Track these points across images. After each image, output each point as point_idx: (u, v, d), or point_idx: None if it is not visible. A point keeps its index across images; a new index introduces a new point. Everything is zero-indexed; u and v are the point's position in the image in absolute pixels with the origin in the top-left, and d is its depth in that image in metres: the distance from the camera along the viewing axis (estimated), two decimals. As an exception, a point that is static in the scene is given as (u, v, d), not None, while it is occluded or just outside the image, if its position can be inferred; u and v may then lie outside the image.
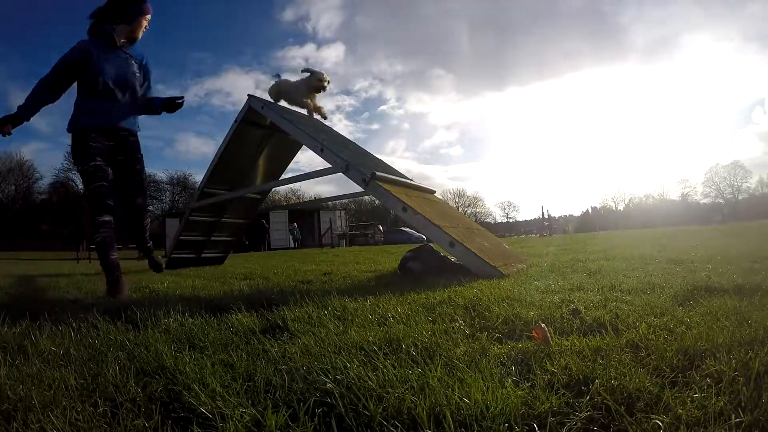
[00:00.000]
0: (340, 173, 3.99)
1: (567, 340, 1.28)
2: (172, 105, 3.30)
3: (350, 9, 68.49)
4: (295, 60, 63.52)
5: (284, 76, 5.50)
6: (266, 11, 56.07)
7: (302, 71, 5.07)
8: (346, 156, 4.06)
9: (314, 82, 4.96)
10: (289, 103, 5.31)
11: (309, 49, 60.61)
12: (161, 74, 58.02)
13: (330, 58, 65.21)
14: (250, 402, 0.95)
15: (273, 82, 5.51)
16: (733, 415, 0.80)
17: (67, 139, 3.20)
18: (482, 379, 0.98)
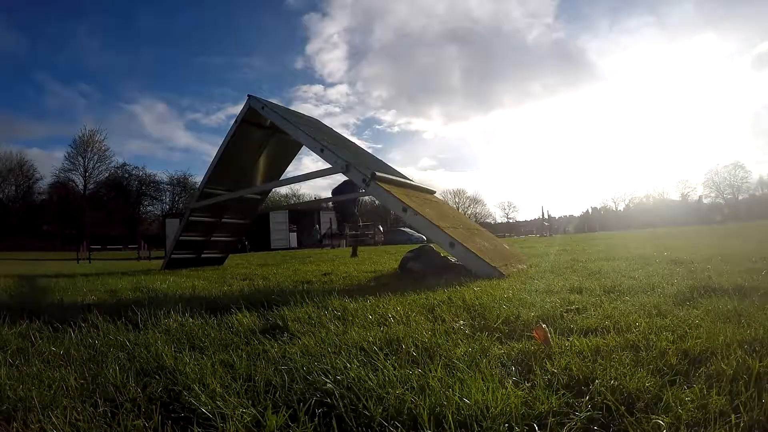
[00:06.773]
0: (340, 173, 4.00)
1: (567, 340, 1.28)
2: None
3: (354, 59, 79.26)
4: (307, 94, 70.32)
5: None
6: (279, 59, 68.85)
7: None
8: (346, 156, 4.06)
9: None
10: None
11: (317, 88, 70.32)
12: (190, 102, 70.83)
13: (335, 95, 75.36)
14: (250, 402, 0.95)
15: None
16: (733, 415, 0.80)
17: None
18: (482, 380, 0.98)
